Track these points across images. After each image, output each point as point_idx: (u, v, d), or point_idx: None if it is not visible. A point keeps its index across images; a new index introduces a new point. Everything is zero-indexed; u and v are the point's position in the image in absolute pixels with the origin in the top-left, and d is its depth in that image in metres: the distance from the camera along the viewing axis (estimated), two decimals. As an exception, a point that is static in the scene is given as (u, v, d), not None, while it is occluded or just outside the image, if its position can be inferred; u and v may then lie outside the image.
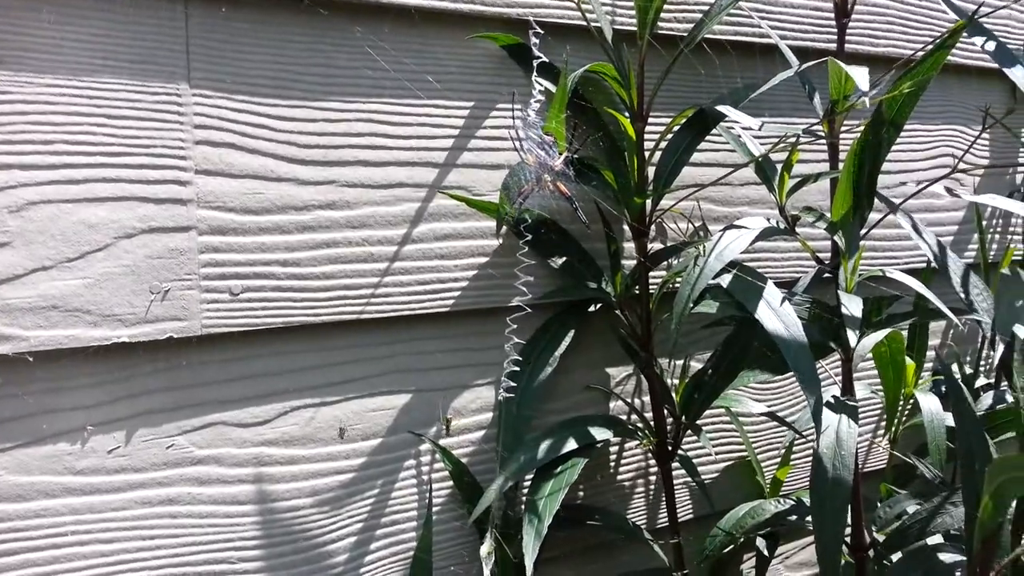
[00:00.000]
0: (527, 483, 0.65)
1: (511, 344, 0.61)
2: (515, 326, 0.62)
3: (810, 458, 0.83)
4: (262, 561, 0.58)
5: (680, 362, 0.74)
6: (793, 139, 0.63)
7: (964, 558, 0.63)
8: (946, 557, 0.62)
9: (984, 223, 0.92)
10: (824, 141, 0.80)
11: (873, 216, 0.65)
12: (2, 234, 0.50)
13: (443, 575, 0.64)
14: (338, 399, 0.61)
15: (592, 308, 0.70)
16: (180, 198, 0.55)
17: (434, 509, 0.64)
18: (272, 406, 0.58)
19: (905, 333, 0.78)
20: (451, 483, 0.64)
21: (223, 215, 0.56)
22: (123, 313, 0.53)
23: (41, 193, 0.51)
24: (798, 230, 0.66)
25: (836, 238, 0.62)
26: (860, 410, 0.63)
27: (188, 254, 0.55)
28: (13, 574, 0.51)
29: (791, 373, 0.82)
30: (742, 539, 0.68)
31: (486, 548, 0.56)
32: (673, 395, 0.70)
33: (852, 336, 0.59)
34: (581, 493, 0.71)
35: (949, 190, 0.74)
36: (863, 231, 0.64)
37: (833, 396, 0.65)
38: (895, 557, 0.66)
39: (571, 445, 0.62)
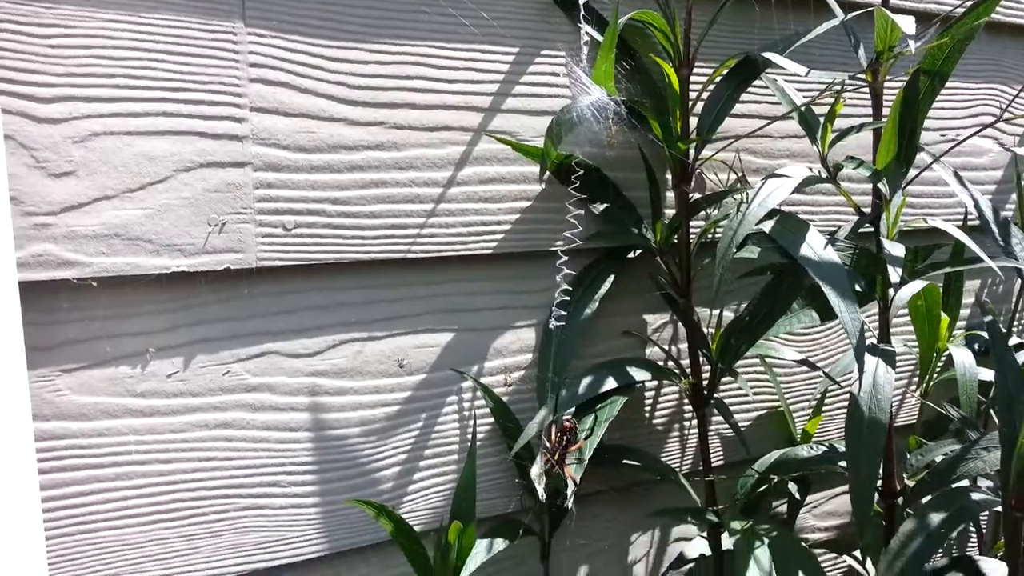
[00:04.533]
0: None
1: (562, 275, 0.62)
2: (565, 258, 0.62)
3: (841, 410, 0.84)
4: (312, 486, 0.60)
5: (716, 312, 0.75)
6: (838, 87, 0.63)
7: (994, 498, 0.64)
8: (976, 497, 0.63)
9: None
10: (866, 99, 0.80)
11: (913, 171, 0.66)
12: (67, 163, 0.52)
13: (484, 505, 0.66)
14: (385, 335, 0.63)
15: (632, 255, 0.71)
16: (236, 134, 0.56)
17: (476, 444, 0.65)
18: (322, 339, 0.60)
19: (941, 288, 0.78)
20: (492, 420, 0.66)
21: (277, 152, 0.57)
22: (182, 243, 0.55)
23: (104, 125, 0.52)
24: (839, 181, 0.67)
25: (880, 185, 0.62)
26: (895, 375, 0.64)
27: (244, 189, 0.57)
28: (79, 488, 0.54)
29: (826, 325, 0.83)
30: (775, 480, 0.70)
31: (536, 469, 0.58)
32: (710, 342, 0.71)
33: (894, 275, 0.59)
34: (617, 435, 0.72)
35: (1001, 144, 0.74)
36: (905, 181, 0.65)
37: (871, 342, 0.66)
38: (925, 501, 0.67)
39: (611, 384, 0.64)
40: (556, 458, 0.58)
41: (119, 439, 0.55)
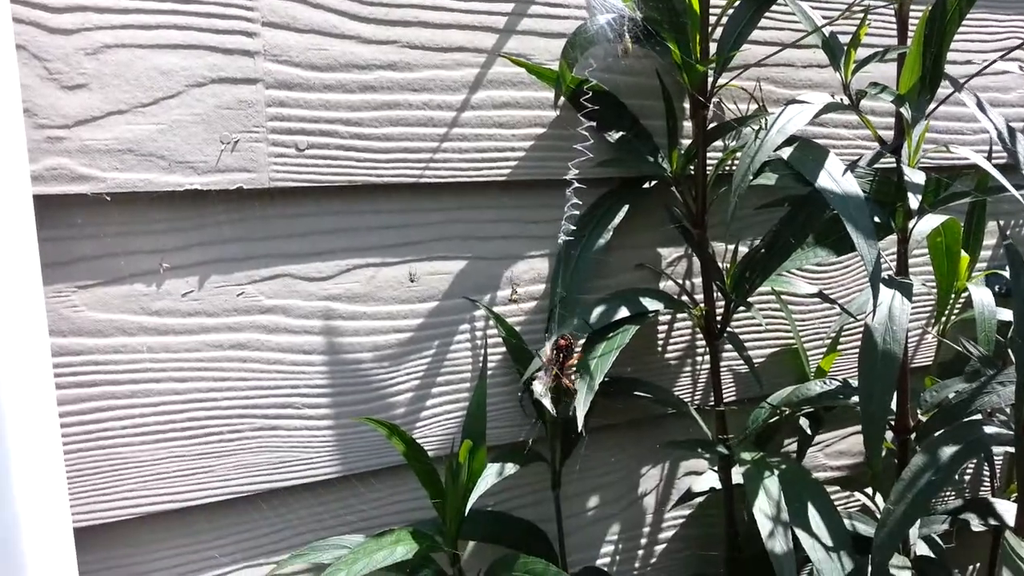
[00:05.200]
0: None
1: (572, 189, 0.61)
2: (576, 171, 0.62)
3: (855, 349, 0.84)
4: (326, 408, 0.61)
5: (731, 248, 0.74)
6: (861, 7, 0.62)
7: (1007, 431, 0.63)
8: (989, 430, 0.63)
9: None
10: (890, 28, 0.78)
11: (936, 101, 0.64)
12: (79, 75, 0.51)
13: (495, 434, 0.66)
14: (397, 261, 0.62)
15: (647, 185, 0.70)
16: (247, 50, 0.55)
17: (487, 368, 0.65)
18: (335, 263, 0.60)
19: (962, 226, 0.77)
20: (503, 349, 0.66)
21: (289, 69, 0.57)
22: (195, 161, 0.55)
23: (116, 37, 0.52)
24: (861, 111, 0.65)
25: (903, 110, 0.61)
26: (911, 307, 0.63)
27: (256, 106, 0.56)
28: (95, 404, 0.54)
29: (842, 262, 0.82)
30: (787, 412, 0.69)
31: (540, 386, 0.58)
32: (724, 276, 0.70)
33: (914, 202, 0.58)
34: (629, 369, 0.72)
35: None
36: (928, 108, 0.63)
37: (888, 274, 0.65)
38: (937, 434, 0.67)
39: (623, 313, 0.64)
40: (554, 373, 0.58)
41: (134, 356, 0.55)
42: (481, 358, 0.65)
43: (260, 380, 0.58)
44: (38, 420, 0.49)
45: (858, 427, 0.85)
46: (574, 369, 0.59)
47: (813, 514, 0.64)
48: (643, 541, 0.76)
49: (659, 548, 0.77)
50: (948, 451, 0.63)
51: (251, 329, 0.58)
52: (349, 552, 0.55)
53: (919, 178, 0.60)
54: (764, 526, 0.62)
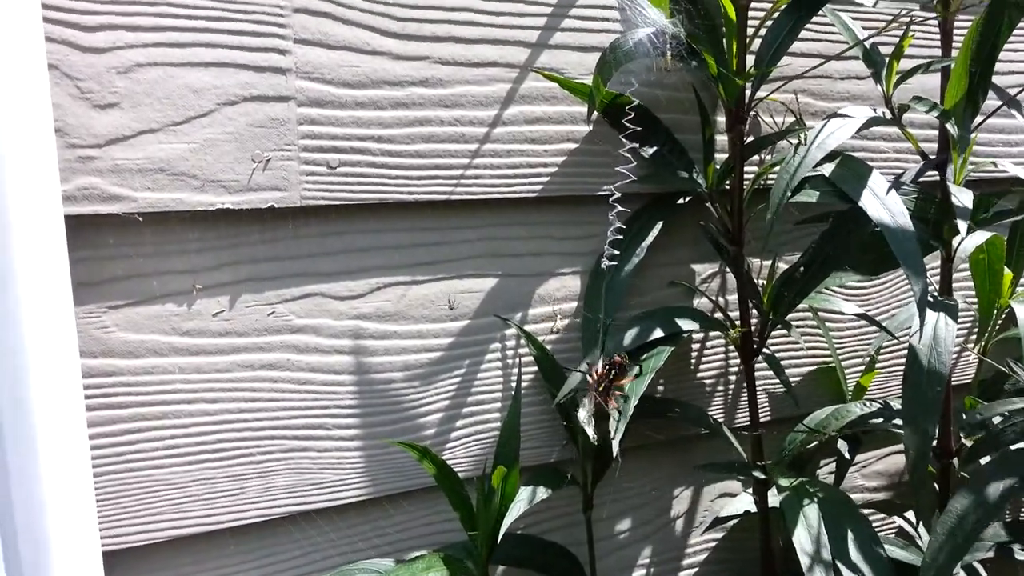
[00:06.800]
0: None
1: (615, 212, 0.60)
2: (618, 195, 0.60)
3: (893, 367, 0.82)
4: (356, 429, 0.60)
5: (767, 263, 0.73)
6: (905, 19, 0.60)
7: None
8: (1043, 459, 0.61)
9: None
10: (933, 40, 0.76)
11: (982, 116, 0.62)
12: (111, 94, 0.51)
13: (526, 455, 0.65)
14: (428, 279, 0.61)
15: (681, 201, 0.68)
16: (279, 67, 0.55)
17: (521, 389, 0.64)
18: (366, 281, 0.59)
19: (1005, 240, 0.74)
20: (535, 368, 0.65)
21: (321, 87, 0.56)
22: (227, 180, 0.54)
23: (148, 55, 0.51)
24: (903, 125, 0.63)
25: (948, 126, 0.59)
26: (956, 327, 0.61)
27: (288, 124, 0.55)
28: (125, 426, 0.54)
29: (882, 279, 0.80)
30: (826, 437, 0.68)
31: (584, 413, 0.56)
32: (760, 293, 0.68)
33: (962, 225, 0.56)
34: (661, 388, 0.71)
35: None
36: (975, 123, 0.61)
37: (932, 294, 0.63)
38: (983, 462, 0.65)
39: (657, 333, 0.62)
40: (600, 389, 0.56)
41: (165, 377, 0.54)
42: (512, 378, 0.64)
43: (291, 401, 0.58)
44: (68, 442, 0.48)
45: (895, 447, 0.84)
46: (621, 390, 0.57)
47: (853, 545, 0.61)
48: (676, 565, 0.74)
49: (691, 572, 0.75)
50: (996, 488, 0.59)
51: (282, 349, 0.57)
52: (380, 578, 0.54)
53: (967, 197, 0.58)
54: (804, 557, 0.60)
